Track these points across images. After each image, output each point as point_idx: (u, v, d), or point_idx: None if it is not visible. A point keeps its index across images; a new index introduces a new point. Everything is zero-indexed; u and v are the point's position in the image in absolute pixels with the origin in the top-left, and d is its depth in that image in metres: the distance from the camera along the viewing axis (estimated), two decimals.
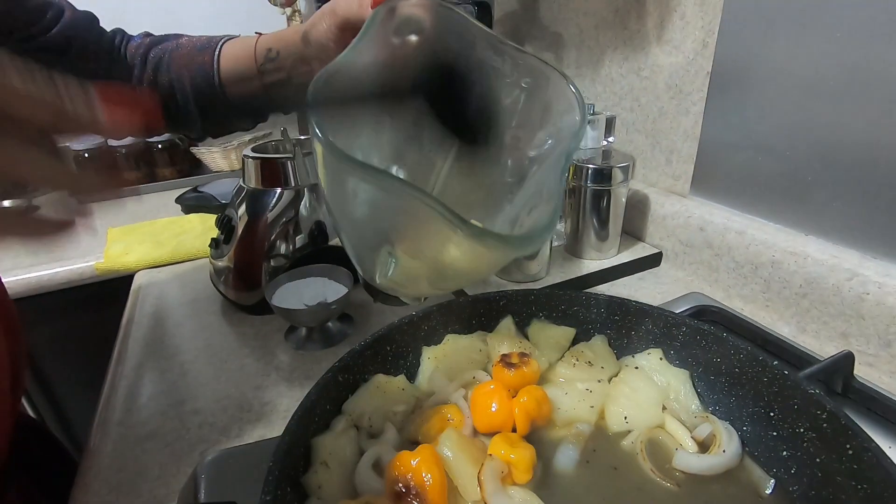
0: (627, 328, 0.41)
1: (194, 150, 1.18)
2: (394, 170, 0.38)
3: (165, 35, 0.50)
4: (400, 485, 0.28)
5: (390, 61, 0.37)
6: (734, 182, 0.59)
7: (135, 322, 0.62)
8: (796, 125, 0.51)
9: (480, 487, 0.29)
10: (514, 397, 0.35)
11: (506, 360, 0.37)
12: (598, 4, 0.72)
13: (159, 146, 1.13)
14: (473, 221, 0.25)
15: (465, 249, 0.28)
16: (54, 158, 0.21)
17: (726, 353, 0.35)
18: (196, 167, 1.22)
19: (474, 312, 0.43)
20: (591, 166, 0.61)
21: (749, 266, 0.55)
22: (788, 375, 0.31)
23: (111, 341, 0.60)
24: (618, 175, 0.61)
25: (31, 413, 0.87)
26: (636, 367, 0.38)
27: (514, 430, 0.34)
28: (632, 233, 0.71)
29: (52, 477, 0.51)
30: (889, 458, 0.25)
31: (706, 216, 0.60)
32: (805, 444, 0.30)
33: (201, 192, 0.97)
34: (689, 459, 0.32)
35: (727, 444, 0.32)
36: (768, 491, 0.30)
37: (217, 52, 0.47)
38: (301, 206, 0.58)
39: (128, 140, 1.10)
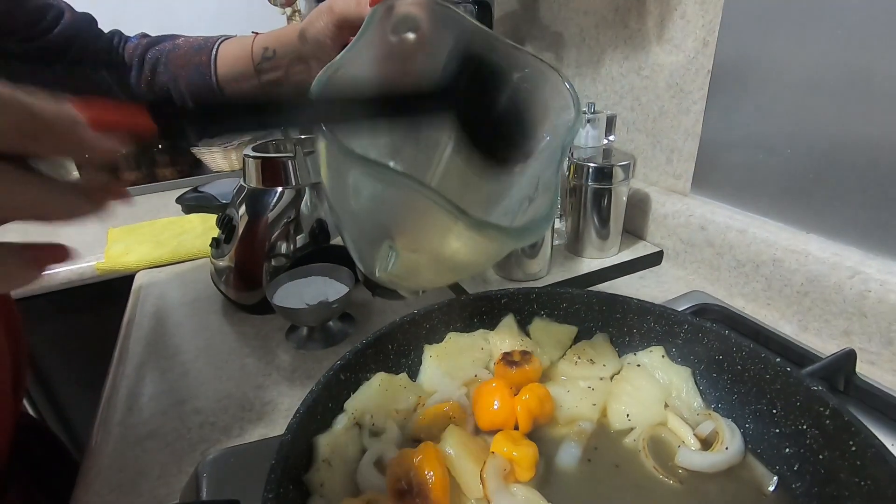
0: (629, 326, 0.41)
1: (195, 150, 1.18)
2: (390, 165, 0.39)
3: (162, 36, 0.50)
4: (402, 482, 0.28)
5: (388, 59, 0.37)
6: (735, 180, 0.59)
7: (136, 322, 0.62)
8: (797, 123, 0.51)
9: (483, 485, 0.29)
10: (516, 395, 0.35)
11: (508, 358, 0.37)
12: (599, 3, 0.72)
13: (159, 146, 1.13)
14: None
15: (465, 241, 0.28)
16: (35, 185, 0.20)
17: (728, 350, 0.35)
18: (196, 167, 1.22)
19: (476, 311, 0.43)
20: (591, 165, 0.61)
21: (750, 264, 0.55)
22: (791, 372, 0.31)
23: (112, 341, 0.60)
24: (618, 174, 0.61)
25: (31, 413, 0.87)
26: (638, 365, 0.38)
27: (516, 428, 0.34)
28: (633, 232, 0.71)
29: (53, 477, 0.51)
30: (892, 455, 0.25)
31: (707, 215, 0.60)
32: (808, 442, 0.30)
33: (202, 192, 0.97)
34: (692, 457, 0.32)
35: (730, 442, 0.32)
36: (771, 488, 0.30)
37: (214, 52, 0.47)
38: (302, 206, 0.58)
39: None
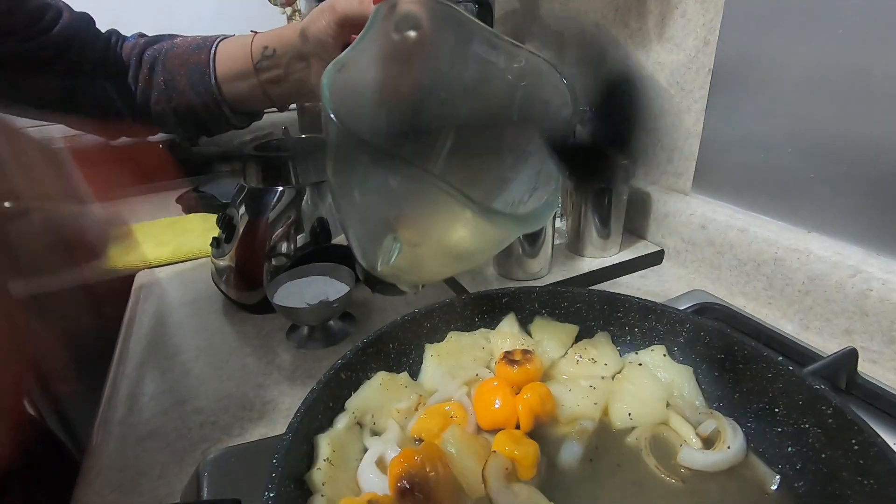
0: (630, 325, 0.41)
1: (195, 150, 1.18)
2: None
3: (160, 35, 0.50)
4: (404, 482, 0.28)
5: (390, 56, 0.38)
6: (736, 179, 0.59)
7: (136, 321, 0.62)
8: (798, 122, 0.51)
9: (485, 484, 0.29)
10: (517, 394, 0.35)
11: (509, 357, 0.37)
12: (599, 3, 0.71)
13: (160, 146, 1.13)
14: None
15: (471, 229, 0.29)
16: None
17: (730, 349, 0.35)
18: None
19: (477, 310, 0.42)
20: None
21: (752, 263, 0.55)
22: (793, 371, 0.31)
23: (113, 341, 0.60)
24: (619, 173, 0.61)
25: (32, 412, 0.87)
26: (640, 364, 0.38)
27: (517, 427, 0.34)
28: (633, 231, 0.71)
29: (54, 476, 0.51)
30: (895, 454, 0.25)
31: (708, 214, 0.60)
32: (810, 440, 0.30)
33: (202, 191, 0.97)
34: (694, 456, 0.31)
35: (732, 441, 0.32)
36: (774, 487, 0.30)
37: (213, 51, 0.47)
38: (303, 205, 0.58)
39: (129, 140, 1.10)
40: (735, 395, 0.35)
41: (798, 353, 0.47)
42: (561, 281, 0.62)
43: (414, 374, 0.40)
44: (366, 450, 0.33)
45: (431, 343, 0.41)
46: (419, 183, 0.26)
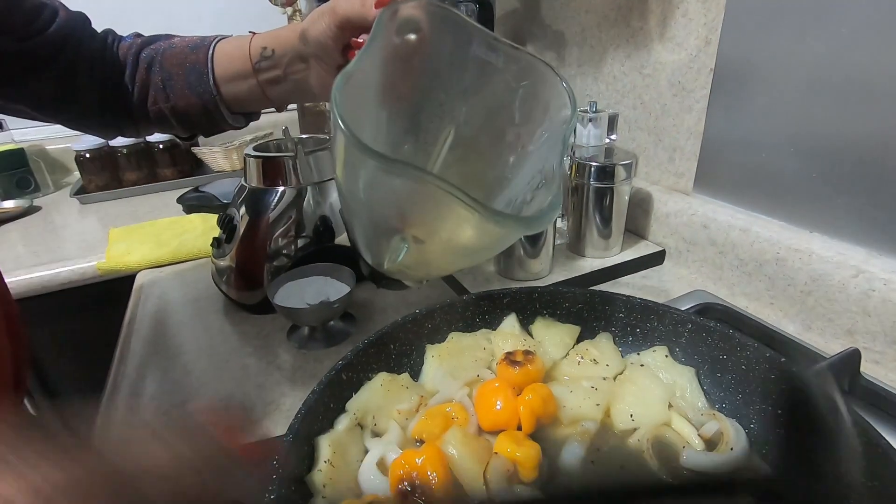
0: (632, 325, 0.41)
1: (195, 150, 1.18)
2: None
3: (157, 35, 0.50)
4: (405, 483, 0.28)
5: (391, 59, 0.38)
6: (738, 179, 0.59)
7: (137, 322, 0.62)
8: (800, 122, 0.51)
9: (486, 486, 0.29)
10: (518, 395, 0.35)
11: (510, 358, 0.37)
12: (600, 2, 0.71)
13: (160, 146, 1.13)
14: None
15: (477, 230, 0.29)
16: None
17: (732, 350, 0.35)
18: (197, 167, 1.22)
19: (478, 310, 0.42)
20: (593, 164, 0.61)
21: (753, 263, 0.55)
22: (796, 372, 0.31)
23: (113, 341, 0.60)
24: (620, 173, 0.61)
25: (33, 413, 0.87)
26: (641, 365, 0.38)
27: (518, 429, 0.34)
28: (635, 231, 0.71)
29: None
30: None
31: (710, 214, 0.60)
32: (813, 442, 0.29)
33: (202, 191, 0.97)
34: (697, 457, 0.31)
35: (735, 442, 0.31)
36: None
37: (211, 52, 0.47)
38: (304, 205, 0.58)
39: (129, 140, 1.10)
40: (737, 397, 0.35)
41: (800, 354, 0.46)
42: (562, 281, 0.61)
43: (415, 375, 0.40)
44: (367, 451, 0.33)
45: (432, 344, 0.41)
46: (425, 187, 0.26)
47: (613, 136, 0.69)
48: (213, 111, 0.49)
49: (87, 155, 1.08)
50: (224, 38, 0.49)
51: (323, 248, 0.59)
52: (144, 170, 1.14)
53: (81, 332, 0.84)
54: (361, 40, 0.43)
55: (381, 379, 0.36)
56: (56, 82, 0.44)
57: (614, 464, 0.32)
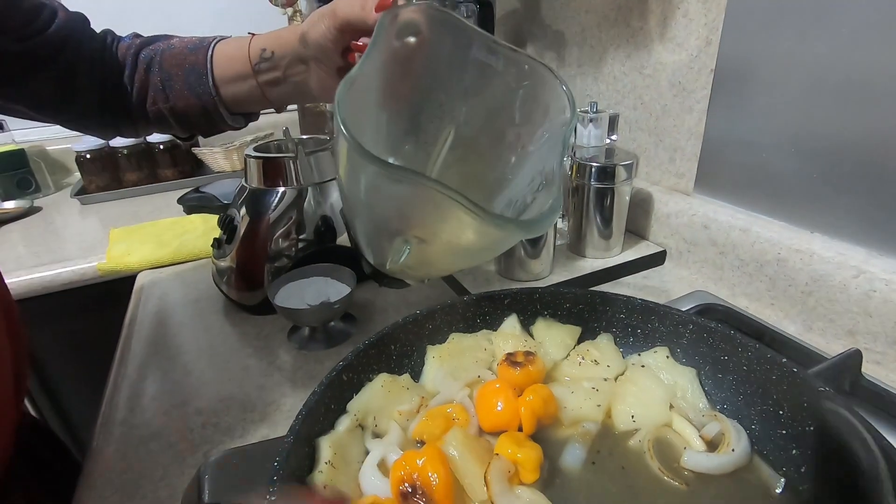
0: (633, 326, 0.41)
1: (196, 150, 1.18)
2: (390, 161, 0.40)
3: (156, 36, 0.50)
4: (406, 484, 0.28)
5: (390, 62, 0.39)
6: (738, 180, 0.59)
7: (137, 322, 0.62)
8: (801, 122, 0.51)
9: (487, 487, 0.29)
10: (519, 396, 0.34)
11: (511, 359, 0.37)
12: (601, 2, 0.71)
13: (161, 147, 1.13)
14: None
15: (480, 234, 0.30)
16: None
17: (734, 350, 0.35)
18: (198, 168, 1.22)
19: (479, 311, 0.42)
20: (594, 164, 0.61)
21: (754, 264, 0.55)
22: (798, 373, 0.31)
23: (114, 342, 0.60)
24: (621, 173, 0.61)
25: (34, 414, 0.87)
26: (643, 366, 0.38)
27: (519, 430, 0.34)
28: (635, 231, 0.71)
29: (56, 478, 0.51)
30: None
31: (710, 214, 0.60)
32: (815, 443, 0.29)
33: (203, 192, 0.97)
34: (698, 458, 0.31)
35: (736, 443, 0.31)
36: (778, 490, 0.30)
37: (210, 52, 0.47)
38: (305, 205, 0.58)
39: (129, 141, 1.10)
40: (739, 398, 0.35)
41: (801, 355, 0.46)
42: (563, 282, 0.61)
43: (416, 376, 0.40)
44: (367, 452, 0.33)
45: (433, 344, 0.41)
46: (427, 191, 0.27)
47: (614, 137, 0.69)
48: (213, 112, 0.49)
49: (88, 156, 1.08)
50: (223, 39, 0.49)
51: (323, 249, 0.59)
52: (145, 170, 1.15)
53: (82, 332, 0.84)
54: (361, 43, 0.43)
55: (382, 380, 0.36)
56: (55, 83, 0.44)
57: (615, 465, 0.32)
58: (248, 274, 0.59)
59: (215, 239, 0.63)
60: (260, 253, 0.57)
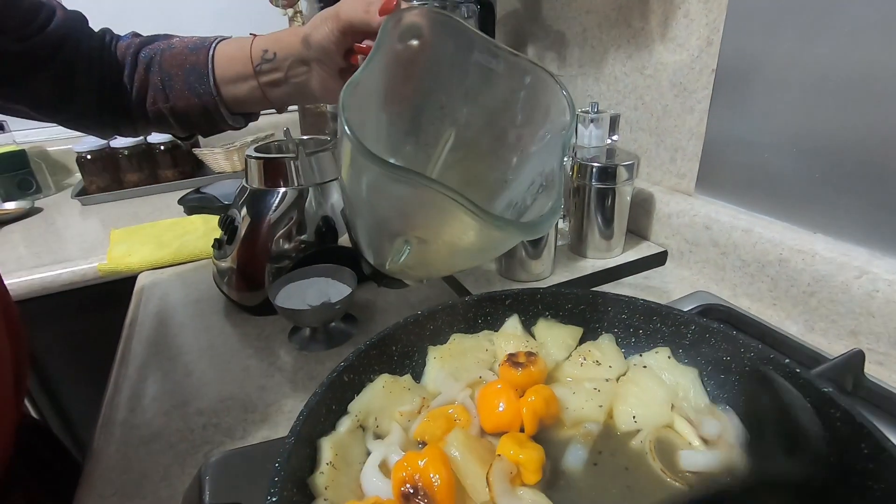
0: (635, 327, 0.40)
1: (196, 151, 1.18)
2: (391, 161, 0.41)
3: (155, 35, 0.50)
4: (408, 485, 0.28)
5: (393, 64, 0.39)
6: (740, 180, 0.59)
7: (138, 323, 0.62)
8: (803, 122, 0.51)
9: (489, 488, 0.28)
10: (521, 397, 0.34)
11: (512, 360, 0.37)
12: (601, 3, 0.71)
13: (161, 148, 1.13)
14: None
15: (481, 235, 0.30)
16: None
17: (736, 351, 0.35)
18: (198, 168, 1.22)
19: (480, 311, 0.42)
20: (595, 165, 0.61)
21: (756, 264, 0.55)
22: (800, 374, 0.31)
23: (114, 342, 0.60)
24: (622, 173, 0.61)
25: (34, 414, 0.87)
26: (644, 366, 0.38)
27: (521, 430, 0.34)
28: (636, 232, 0.71)
29: (56, 479, 0.51)
30: None
31: (712, 214, 0.60)
32: (818, 444, 0.29)
33: (204, 193, 0.97)
34: (695, 458, 0.31)
35: (733, 439, 0.31)
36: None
37: (211, 53, 0.47)
38: (305, 206, 0.58)
39: (130, 141, 1.10)
40: (741, 398, 0.35)
41: (803, 355, 0.46)
42: (564, 282, 0.61)
43: (417, 377, 0.39)
44: (369, 453, 0.33)
45: (434, 345, 0.41)
46: (429, 193, 0.27)
47: (615, 137, 0.69)
48: (213, 112, 0.49)
49: (89, 156, 1.08)
50: (224, 39, 0.49)
51: (324, 249, 0.59)
52: (145, 171, 1.15)
53: (82, 333, 0.84)
54: (364, 45, 0.43)
55: (383, 380, 0.36)
56: (54, 82, 0.44)
57: (617, 466, 0.32)
58: (249, 274, 0.59)
59: (216, 239, 0.63)
60: (261, 253, 0.57)
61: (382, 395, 0.35)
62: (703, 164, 0.62)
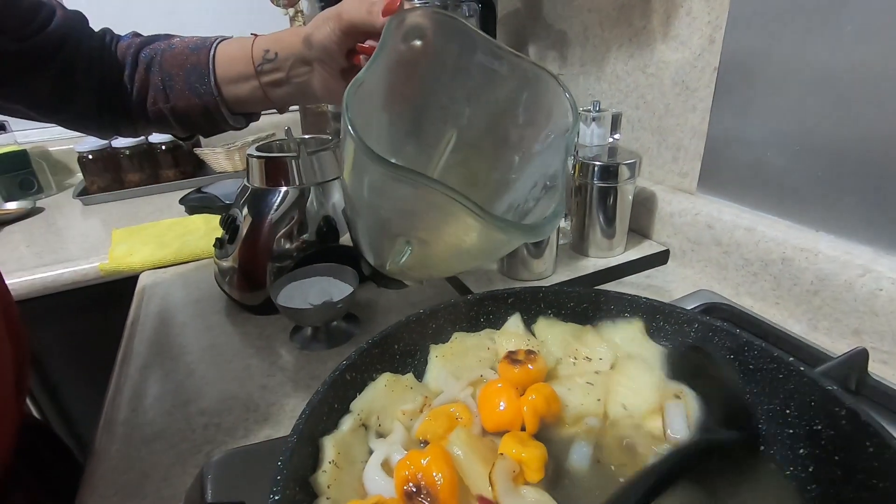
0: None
1: (198, 151, 1.18)
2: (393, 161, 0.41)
3: (156, 35, 0.50)
4: (410, 484, 0.28)
5: (396, 65, 0.39)
6: (742, 179, 0.59)
7: (139, 322, 0.62)
8: (806, 120, 0.50)
9: (492, 487, 0.28)
10: (522, 395, 0.34)
11: (512, 357, 0.37)
12: (603, 1, 0.71)
13: (163, 147, 1.13)
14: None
15: (483, 237, 0.30)
16: None
17: (739, 349, 0.35)
18: (200, 168, 1.22)
19: (482, 310, 0.42)
20: (597, 163, 0.61)
21: (759, 263, 0.55)
22: (805, 372, 0.31)
23: (116, 342, 0.60)
24: (624, 172, 0.61)
25: (35, 415, 0.87)
26: (630, 355, 0.38)
27: (523, 429, 0.33)
28: (638, 231, 0.71)
29: (58, 478, 0.51)
30: None
31: (714, 213, 0.60)
32: (823, 443, 0.29)
33: (205, 192, 0.97)
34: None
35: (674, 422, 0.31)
36: (786, 490, 0.30)
37: (212, 53, 0.47)
38: (306, 205, 0.58)
39: (131, 141, 1.10)
40: (745, 397, 0.35)
41: (807, 354, 0.46)
42: (565, 281, 0.61)
43: (419, 376, 0.39)
44: (371, 452, 0.32)
45: (436, 344, 0.40)
46: (432, 194, 0.27)
47: (617, 136, 0.69)
48: (214, 112, 0.49)
49: (90, 156, 1.08)
50: (225, 39, 0.49)
51: (326, 249, 0.59)
52: (147, 171, 1.15)
53: (84, 333, 0.84)
54: (366, 45, 0.43)
55: (385, 379, 0.36)
56: (53, 82, 0.44)
57: (619, 462, 0.32)
58: (251, 274, 0.59)
59: (217, 239, 0.63)
60: (262, 253, 0.57)
61: (384, 393, 0.35)
62: (705, 162, 0.62)
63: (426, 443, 0.33)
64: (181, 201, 0.98)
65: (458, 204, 0.27)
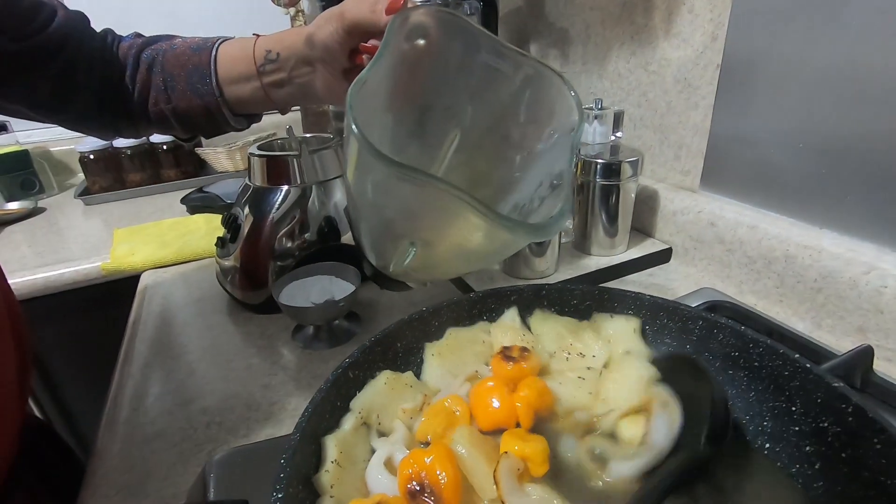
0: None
1: (199, 150, 1.18)
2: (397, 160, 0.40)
3: (158, 35, 0.50)
4: (414, 483, 0.28)
5: (399, 64, 0.39)
6: (745, 176, 0.58)
7: (141, 322, 0.62)
8: (809, 117, 0.50)
9: (497, 486, 0.28)
10: (514, 391, 0.34)
11: (506, 353, 0.37)
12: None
13: (164, 147, 1.13)
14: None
15: (488, 236, 0.30)
16: None
17: (744, 347, 0.35)
18: (201, 168, 1.22)
19: (484, 308, 0.42)
20: (599, 161, 0.61)
21: (762, 261, 0.55)
22: (811, 369, 0.30)
23: (118, 341, 0.60)
24: (626, 170, 0.61)
25: (38, 414, 0.87)
26: (626, 353, 0.38)
27: (517, 426, 0.33)
28: (641, 229, 0.71)
29: (60, 478, 0.51)
30: None
31: (717, 211, 0.59)
32: (829, 439, 0.29)
33: (206, 192, 0.97)
34: (619, 468, 0.30)
35: (655, 432, 0.31)
36: (792, 487, 0.29)
37: (214, 53, 0.47)
38: (308, 204, 0.58)
39: (133, 141, 1.10)
40: (750, 394, 0.34)
41: (811, 352, 0.46)
42: (568, 279, 0.61)
43: (419, 374, 0.39)
44: (374, 451, 0.32)
45: (431, 341, 0.40)
46: (437, 193, 0.27)
47: (619, 134, 0.69)
48: (216, 113, 0.48)
49: (91, 156, 1.08)
50: (227, 39, 0.49)
51: (328, 247, 0.59)
52: (148, 171, 1.15)
53: (85, 332, 0.84)
54: (369, 44, 0.43)
55: (385, 377, 0.36)
56: (54, 82, 0.44)
57: (609, 455, 0.32)
58: (252, 273, 0.59)
59: (219, 238, 0.62)
60: (264, 252, 0.57)
61: (384, 391, 0.35)
62: (707, 160, 0.62)
63: (426, 442, 0.33)
64: (182, 201, 0.98)
65: (464, 202, 0.26)
